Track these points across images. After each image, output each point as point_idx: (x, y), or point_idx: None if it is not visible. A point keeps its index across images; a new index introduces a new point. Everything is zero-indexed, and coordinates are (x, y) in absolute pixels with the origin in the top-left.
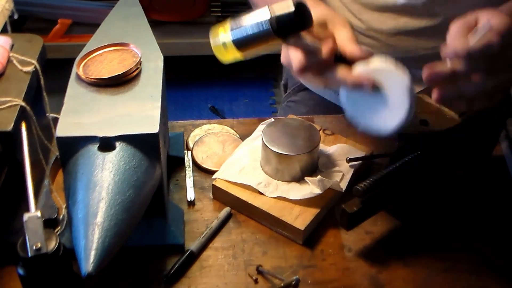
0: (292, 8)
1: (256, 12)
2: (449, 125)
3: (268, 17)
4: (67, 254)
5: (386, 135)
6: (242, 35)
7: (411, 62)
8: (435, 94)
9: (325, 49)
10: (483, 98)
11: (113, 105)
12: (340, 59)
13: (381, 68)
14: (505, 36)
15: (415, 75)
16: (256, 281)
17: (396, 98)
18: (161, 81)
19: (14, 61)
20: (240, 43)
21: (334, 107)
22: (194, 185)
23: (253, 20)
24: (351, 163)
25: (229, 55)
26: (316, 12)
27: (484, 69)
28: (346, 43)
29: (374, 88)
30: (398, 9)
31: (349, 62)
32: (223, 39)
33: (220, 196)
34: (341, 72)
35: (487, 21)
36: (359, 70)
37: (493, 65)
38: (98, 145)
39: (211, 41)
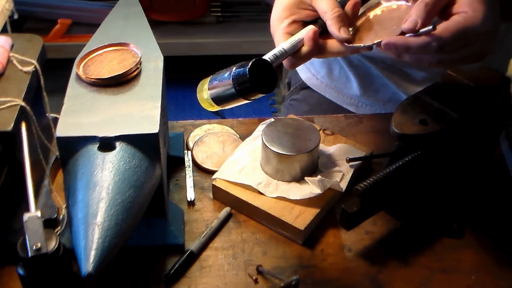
0: (247, 73)
1: (224, 72)
2: (449, 125)
3: (230, 82)
4: (67, 254)
5: None
6: (216, 94)
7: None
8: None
9: (306, 45)
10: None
11: (113, 105)
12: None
13: None
14: (451, 39)
15: (412, 75)
16: (256, 281)
17: None
18: (161, 81)
19: (14, 61)
20: (216, 101)
21: (336, 106)
22: (194, 185)
23: (221, 82)
24: (351, 163)
25: (213, 108)
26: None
27: (434, 52)
28: (330, 23)
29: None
30: None
31: None
32: (205, 95)
33: (220, 196)
34: (334, 46)
35: (438, 21)
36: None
37: (444, 49)
38: (98, 145)
39: (197, 94)
